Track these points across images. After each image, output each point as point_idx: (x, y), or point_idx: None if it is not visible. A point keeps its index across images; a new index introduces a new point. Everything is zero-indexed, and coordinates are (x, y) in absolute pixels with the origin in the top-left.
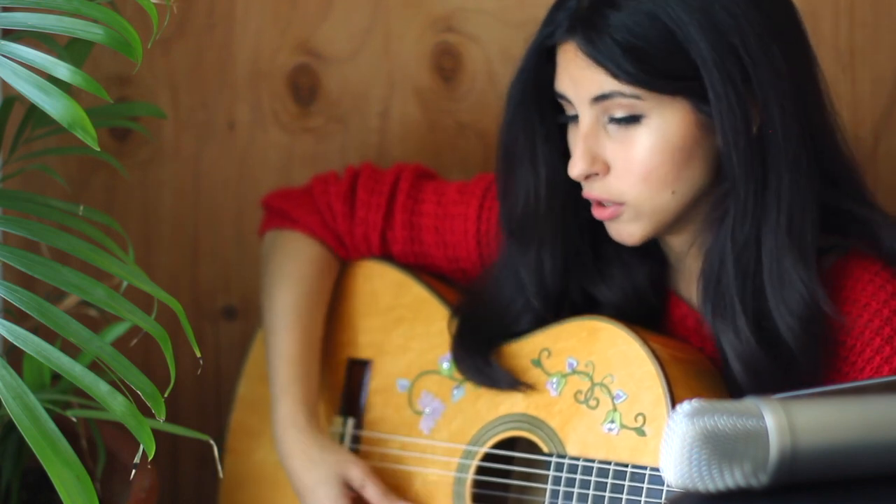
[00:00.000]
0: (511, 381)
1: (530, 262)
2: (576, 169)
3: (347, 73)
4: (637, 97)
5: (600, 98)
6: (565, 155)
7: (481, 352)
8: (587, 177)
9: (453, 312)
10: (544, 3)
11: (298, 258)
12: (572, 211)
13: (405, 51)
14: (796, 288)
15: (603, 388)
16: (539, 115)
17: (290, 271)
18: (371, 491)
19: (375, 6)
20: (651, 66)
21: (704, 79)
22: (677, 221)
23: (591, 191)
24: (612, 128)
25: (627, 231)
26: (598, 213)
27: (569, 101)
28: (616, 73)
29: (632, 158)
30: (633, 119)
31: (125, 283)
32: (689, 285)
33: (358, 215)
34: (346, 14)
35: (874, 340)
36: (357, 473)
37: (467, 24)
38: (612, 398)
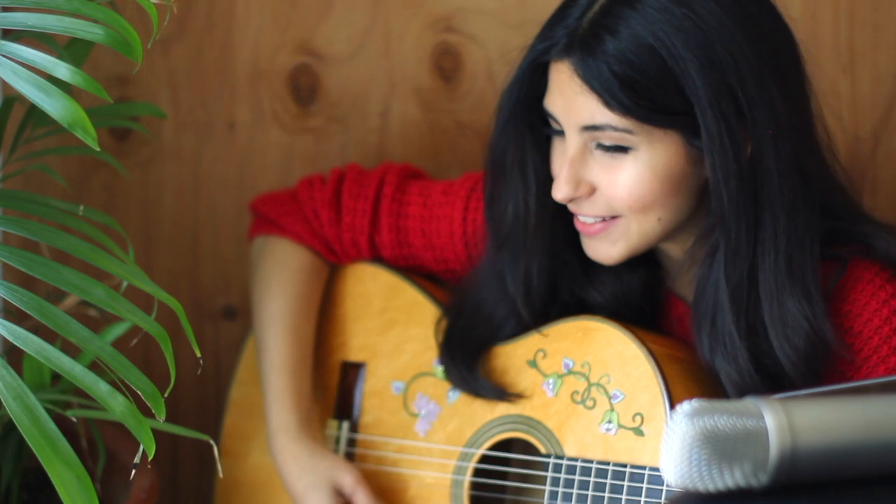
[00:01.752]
0: (496, 393)
1: (518, 271)
2: (560, 193)
3: (347, 73)
4: (628, 131)
5: (591, 128)
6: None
7: (466, 362)
8: (572, 199)
9: (438, 320)
10: (544, 4)
11: (287, 265)
12: (561, 221)
13: (405, 51)
14: (800, 325)
15: (600, 389)
16: (529, 126)
17: (279, 279)
18: (361, 498)
19: (375, 6)
20: (645, 99)
21: (698, 117)
22: (666, 238)
23: (579, 209)
24: (599, 152)
25: (607, 252)
26: (581, 228)
27: (556, 120)
28: (609, 102)
29: (617, 186)
30: (620, 149)
31: (125, 283)
32: (686, 284)
33: (345, 221)
34: (346, 14)
35: (872, 339)
36: (348, 480)
37: (467, 24)
38: (610, 398)
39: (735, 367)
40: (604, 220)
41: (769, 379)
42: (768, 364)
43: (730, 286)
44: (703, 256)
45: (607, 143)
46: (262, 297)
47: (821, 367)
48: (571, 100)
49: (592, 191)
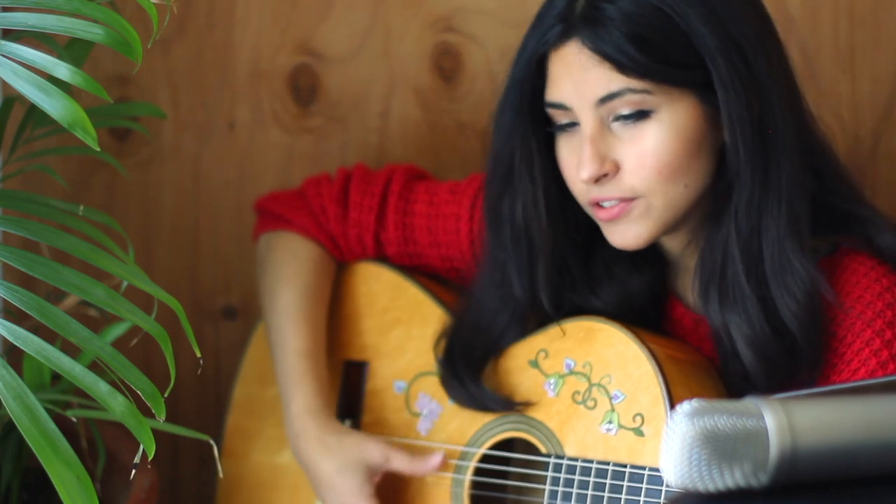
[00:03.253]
0: (503, 404)
1: (526, 271)
2: (586, 171)
3: (347, 73)
4: (647, 91)
5: (608, 98)
6: (556, 166)
7: (470, 376)
8: (597, 179)
9: (437, 341)
10: None
11: (297, 257)
12: (564, 226)
13: (405, 51)
14: (798, 274)
15: (601, 389)
16: (532, 126)
17: (290, 270)
18: (397, 462)
19: (375, 6)
20: (659, 55)
21: (710, 68)
22: (681, 219)
23: (601, 193)
24: (618, 126)
25: (634, 233)
26: (603, 214)
27: (564, 109)
28: (625, 64)
29: (645, 154)
30: (642, 115)
31: (125, 283)
32: (687, 285)
33: (351, 217)
34: (346, 14)
35: (865, 332)
36: (377, 452)
37: (467, 24)
38: (610, 398)
39: (746, 319)
40: (622, 200)
41: (777, 333)
42: (772, 314)
43: (741, 238)
44: (709, 219)
45: (627, 111)
46: (273, 287)
47: (819, 319)
48: (582, 76)
49: (617, 169)
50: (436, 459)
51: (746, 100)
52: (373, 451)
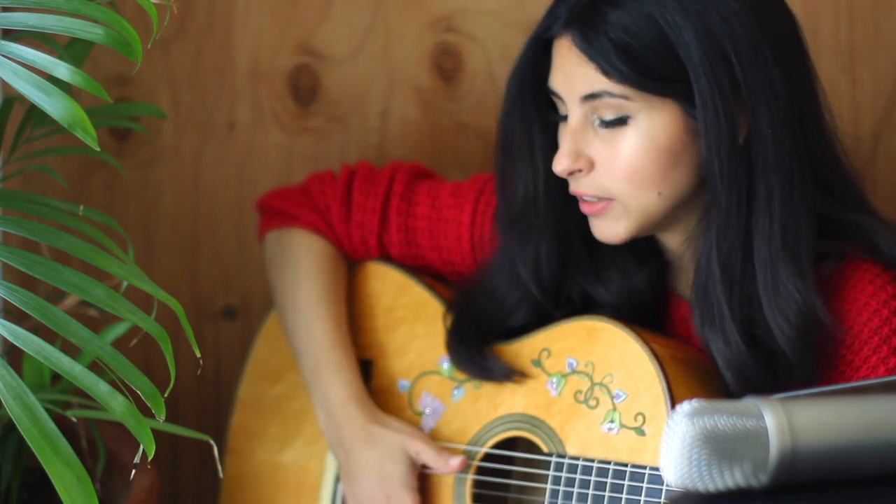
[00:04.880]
0: (505, 372)
1: (528, 254)
2: (559, 165)
3: (347, 73)
4: (625, 97)
5: (590, 97)
6: None
7: (476, 343)
8: (571, 173)
9: (448, 305)
10: (544, 4)
11: (311, 252)
12: (569, 207)
13: (405, 51)
14: (792, 298)
15: (602, 388)
16: (536, 108)
17: (307, 265)
18: (425, 456)
19: (375, 6)
20: (642, 66)
21: (692, 83)
22: (667, 221)
23: (577, 187)
24: (601, 129)
25: (613, 230)
26: (585, 208)
27: (561, 99)
28: (606, 70)
29: (616, 157)
30: (620, 121)
31: (125, 283)
32: (689, 284)
33: (354, 219)
34: (346, 14)
35: (872, 339)
36: (415, 446)
37: (467, 24)
38: (612, 398)
39: (723, 337)
40: (600, 199)
41: (761, 352)
42: (760, 336)
43: (720, 256)
44: (701, 232)
45: (608, 116)
46: (292, 283)
47: (814, 342)
48: (571, 71)
49: (591, 167)
50: (457, 460)
51: (726, 117)
52: (412, 445)
